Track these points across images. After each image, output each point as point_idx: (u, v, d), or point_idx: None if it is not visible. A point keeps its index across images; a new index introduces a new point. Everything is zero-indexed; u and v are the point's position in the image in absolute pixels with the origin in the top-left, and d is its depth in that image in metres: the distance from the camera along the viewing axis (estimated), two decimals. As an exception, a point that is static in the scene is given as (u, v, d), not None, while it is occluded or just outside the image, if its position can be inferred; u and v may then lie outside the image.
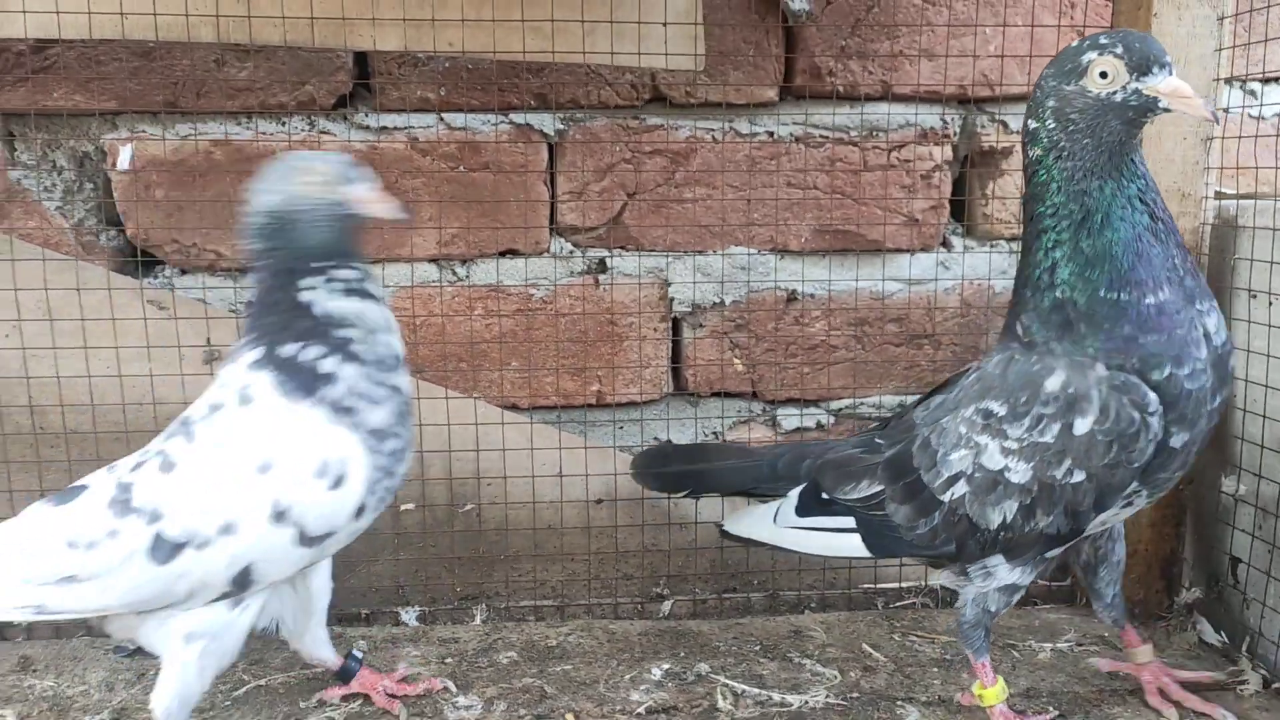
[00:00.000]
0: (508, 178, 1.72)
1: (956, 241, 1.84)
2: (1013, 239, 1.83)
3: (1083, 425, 1.07)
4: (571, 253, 1.77)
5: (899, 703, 1.28)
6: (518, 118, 1.72)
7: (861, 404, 1.83)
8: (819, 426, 1.83)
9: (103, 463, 1.46)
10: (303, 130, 1.69)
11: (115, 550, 1.10)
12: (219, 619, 1.13)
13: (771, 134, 1.76)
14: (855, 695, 1.31)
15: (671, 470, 1.39)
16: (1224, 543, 1.46)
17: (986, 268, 1.82)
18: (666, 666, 1.37)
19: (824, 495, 1.22)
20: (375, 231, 1.69)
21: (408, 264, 1.72)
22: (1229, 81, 1.64)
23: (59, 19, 1.45)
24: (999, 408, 1.12)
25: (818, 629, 1.50)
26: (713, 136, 1.75)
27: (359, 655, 1.31)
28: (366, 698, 1.29)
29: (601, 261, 1.78)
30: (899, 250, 1.81)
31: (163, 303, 1.58)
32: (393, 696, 1.29)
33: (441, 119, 1.71)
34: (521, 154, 1.72)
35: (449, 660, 1.39)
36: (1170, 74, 1.06)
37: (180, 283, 1.69)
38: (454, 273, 1.75)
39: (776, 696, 1.29)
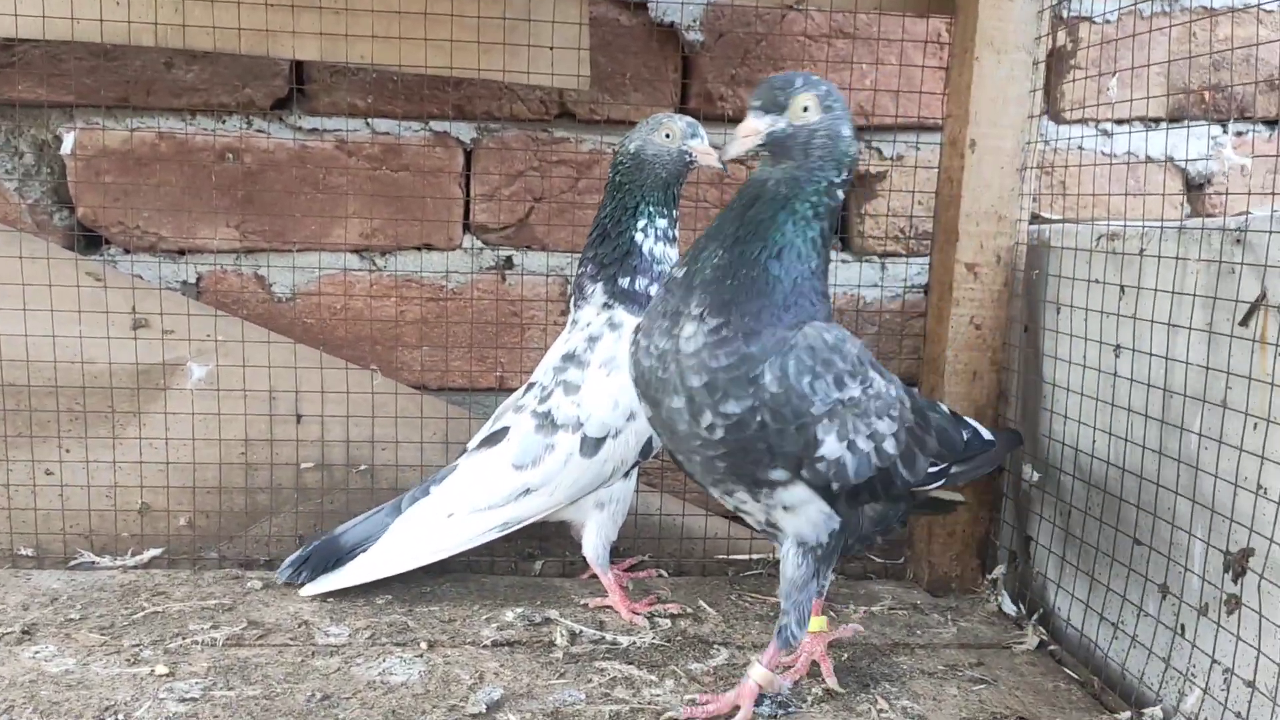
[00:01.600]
0: (426, 179, 1.90)
1: (834, 255, 2.02)
2: (884, 255, 2.01)
3: None
4: (482, 250, 1.95)
5: (715, 645, 1.45)
6: (437, 125, 1.91)
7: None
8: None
9: (34, 412, 1.65)
10: (240, 128, 1.87)
11: (555, 458, 1.51)
12: (620, 486, 1.56)
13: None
14: (680, 639, 1.48)
15: None
16: (1025, 526, 1.64)
17: (858, 279, 2.00)
18: (520, 610, 1.54)
19: None
20: (305, 222, 1.88)
21: (332, 253, 1.91)
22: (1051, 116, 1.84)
23: (17, 21, 1.63)
24: None
25: (666, 589, 1.67)
26: (614, 150, 1.93)
27: None
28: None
29: (509, 259, 1.96)
30: (778, 260, 1.98)
31: (98, 275, 1.76)
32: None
33: (368, 124, 1.90)
34: (439, 159, 1.91)
35: (329, 600, 1.56)
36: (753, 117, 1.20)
37: (123, 261, 1.87)
38: (374, 263, 1.93)
39: (609, 637, 1.46)
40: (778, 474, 1.19)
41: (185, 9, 1.65)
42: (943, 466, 1.33)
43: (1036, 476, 1.59)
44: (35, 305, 1.67)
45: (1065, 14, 1.97)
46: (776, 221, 1.16)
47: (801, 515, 1.24)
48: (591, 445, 1.51)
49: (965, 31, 1.65)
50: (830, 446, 1.18)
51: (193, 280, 1.89)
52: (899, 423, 1.25)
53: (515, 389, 1.74)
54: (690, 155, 1.53)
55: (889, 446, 1.23)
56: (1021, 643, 1.52)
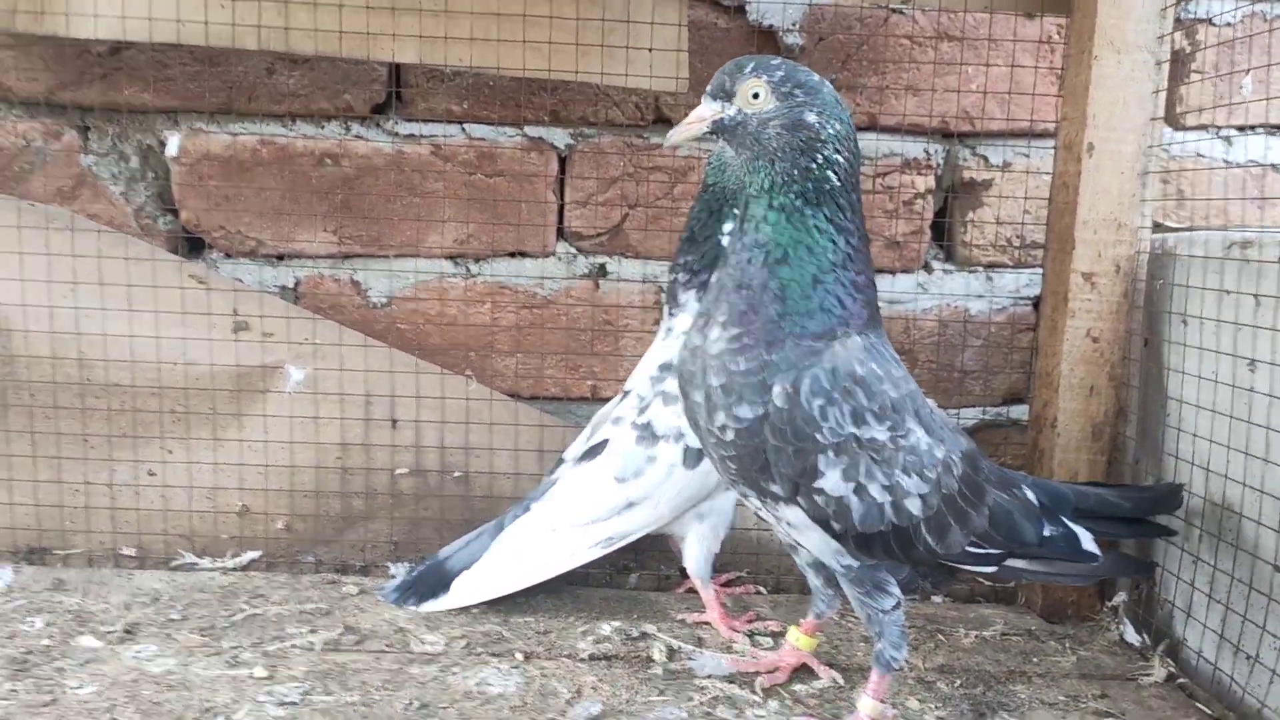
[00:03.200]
0: (521, 185, 1.89)
1: (937, 265, 1.96)
2: (990, 265, 1.95)
3: None
4: (576, 256, 1.93)
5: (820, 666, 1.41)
6: (532, 131, 1.90)
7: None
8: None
9: (138, 413, 1.66)
10: (339, 133, 1.88)
11: (658, 470, 1.48)
12: (722, 498, 1.51)
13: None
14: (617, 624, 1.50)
15: None
16: (1148, 550, 1.56)
17: (964, 291, 1.94)
18: (617, 624, 1.51)
19: None
20: (401, 228, 1.88)
21: (428, 258, 1.90)
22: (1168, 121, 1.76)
23: (124, 23, 1.66)
24: None
25: (765, 606, 1.63)
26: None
27: None
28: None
29: (603, 266, 1.93)
30: (880, 270, 1.93)
31: (201, 278, 1.78)
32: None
33: (463, 129, 1.89)
34: (534, 164, 1.90)
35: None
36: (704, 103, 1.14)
37: (224, 265, 1.89)
38: (468, 269, 1.92)
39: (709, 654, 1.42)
40: (777, 489, 1.14)
41: (289, 12, 1.66)
42: (992, 551, 1.23)
43: (1162, 499, 1.51)
44: (140, 307, 1.69)
45: (1183, 16, 1.90)
46: (768, 219, 1.11)
47: (807, 539, 1.20)
48: (694, 456, 1.47)
49: (1082, 30, 1.58)
50: (832, 482, 1.12)
51: (291, 285, 1.90)
52: (933, 486, 1.16)
53: (609, 398, 1.72)
54: None
55: (912, 506, 1.15)
56: (1148, 674, 1.44)
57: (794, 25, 1.89)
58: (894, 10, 1.88)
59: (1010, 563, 1.26)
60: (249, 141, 1.86)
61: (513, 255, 1.92)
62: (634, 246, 1.93)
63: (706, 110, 1.13)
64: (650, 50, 1.70)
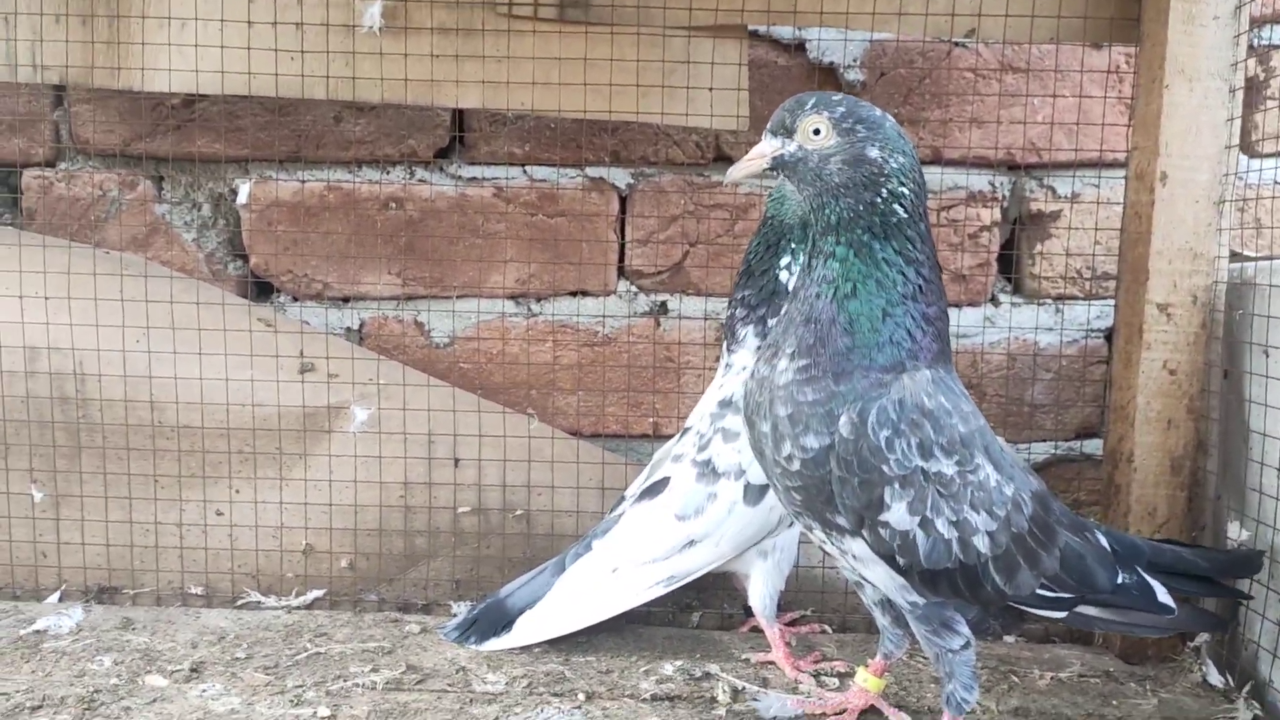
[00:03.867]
0: (582, 225, 1.90)
1: (1004, 298, 1.92)
2: (1059, 298, 1.91)
3: None
4: (636, 294, 1.93)
5: (888, 706, 1.36)
6: (593, 171, 1.91)
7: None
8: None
9: (207, 453, 1.69)
10: (403, 178, 1.91)
11: (719, 508, 1.46)
12: (785, 535, 1.49)
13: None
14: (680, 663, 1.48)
15: None
16: (1227, 606, 1.49)
17: (1033, 324, 1.89)
18: (679, 663, 1.48)
19: None
20: (463, 269, 1.89)
21: (489, 298, 1.91)
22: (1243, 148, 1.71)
23: (197, 77, 1.71)
24: None
25: (831, 646, 1.59)
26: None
27: None
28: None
29: (664, 303, 1.93)
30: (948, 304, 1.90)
31: (269, 320, 1.81)
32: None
33: (525, 171, 1.91)
34: (595, 204, 1.90)
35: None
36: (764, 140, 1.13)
37: (291, 308, 1.92)
38: (530, 308, 1.93)
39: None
40: (842, 521, 1.12)
41: (355, 62, 1.70)
42: (1063, 595, 1.19)
43: (1245, 535, 1.45)
44: (210, 350, 1.72)
45: (1256, 42, 1.85)
46: (836, 255, 1.10)
47: (873, 574, 1.17)
48: (755, 493, 1.45)
49: (1153, 59, 1.55)
50: (898, 515, 1.09)
51: (356, 326, 1.93)
52: (1002, 523, 1.12)
53: (670, 435, 1.70)
54: None
55: (980, 543, 1.12)
56: (1232, 717, 1.37)
57: (855, 61, 1.88)
58: (957, 44, 1.87)
59: (1082, 609, 1.22)
60: (316, 187, 1.90)
61: (574, 294, 1.92)
62: (695, 284, 1.92)
63: (767, 147, 1.12)
64: (710, 89, 1.70)
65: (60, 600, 1.72)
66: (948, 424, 1.10)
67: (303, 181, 1.90)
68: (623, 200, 1.92)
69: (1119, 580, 1.21)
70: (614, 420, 1.92)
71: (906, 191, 1.10)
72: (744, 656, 1.52)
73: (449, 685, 1.41)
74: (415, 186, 1.90)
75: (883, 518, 1.09)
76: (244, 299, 1.88)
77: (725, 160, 1.91)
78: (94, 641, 1.53)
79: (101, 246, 1.88)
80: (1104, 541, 1.24)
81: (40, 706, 1.32)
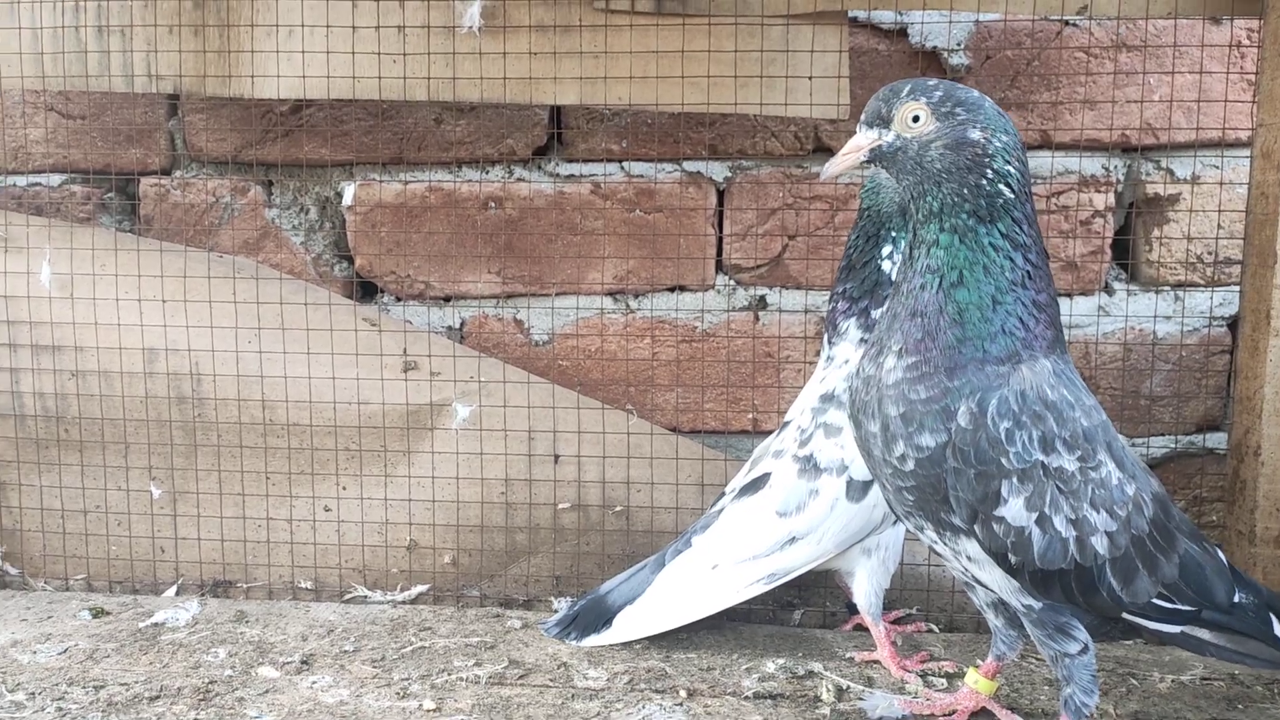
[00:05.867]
0: (679, 220, 1.89)
1: (1119, 286, 1.85)
2: (1178, 285, 1.83)
3: None
4: (735, 289, 1.91)
5: (1000, 710, 1.32)
6: (689, 166, 1.90)
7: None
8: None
9: (315, 451, 1.73)
10: (502, 177, 1.93)
11: (821, 504, 1.43)
12: (890, 533, 1.46)
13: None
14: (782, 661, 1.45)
15: None
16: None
17: (1151, 312, 1.82)
18: (781, 661, 1.46)
19: None
20: (561, 266, 1.90)
21: (588, 295, 1.92)
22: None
23: (304, 83, 1.75)
24: None
25: (938, 645, 1.55)
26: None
27: None
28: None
29: (762, 298, 1.91)
30: (1058, 293, 1.83)
31: (373, 320, 1.85)
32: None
33: (622, 167, 1.91)
34: (692, 199, 1.89)
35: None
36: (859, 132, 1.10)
37: (395, 308, 1.95)
38: (628, 305, 1.93)
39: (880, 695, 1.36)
40: (956, 520, 1.08)
41: (455, 63, 1.72)
42: (1181, 609, 1.13)
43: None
44: (318, 349, 1.77)
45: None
46: (940, 242, 1.06)
47: (986, 575, 1.13)
48: (859, 489, 1.42)
49: (1278, 32, 1.47)
50: (1014, 510, 1.05)
51: (457, 325, 1.95)
52: (1122, 525, 1.08)
53: (770, 431, 1.68)
54: None
55: (1098, 544, 1.07)
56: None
57: (959, 45, 1.83)
58: (1067, 22, 1.80)
59: (1195, 631, 1.16)
60: (418, 189, 1.93)
61: (671, 290, 1.91)
62: (794, 277, 1.89)
63: (863, 139, 1.09)
64: (810, 78, 1.67)
65: (177, 594, 1.78)
66: (1071, 417, 1.06)
67: (405, 183, 1.93)
68: (720, 194, 1.90)
69: (1236, 599, 1.15)
70: (712, 416, 1.90)
71: (1013, 169, 1.06)
72: (848, 655, 1.49)
73: (551, 680, 1.41)
74: (514, 185, 1.92)
75: (998, 512, 1.06)
76: (350, 299, 1.92)
77: (825, 151, 1.87)
78: (209, 634, 1.57)
79: (215, 251, 1.94)
80: (1221, 556, 1.18)
81: (158, 697, 1.37)
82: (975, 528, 1.07)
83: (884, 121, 1.08)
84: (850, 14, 1.72)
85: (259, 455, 1.78)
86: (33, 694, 1.37)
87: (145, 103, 1.96)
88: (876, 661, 1.46)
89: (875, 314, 1.46)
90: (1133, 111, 1.79)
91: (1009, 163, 1.06)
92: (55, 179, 2.00)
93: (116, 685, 1.40)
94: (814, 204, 1.87)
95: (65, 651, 1.51)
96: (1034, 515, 1.06)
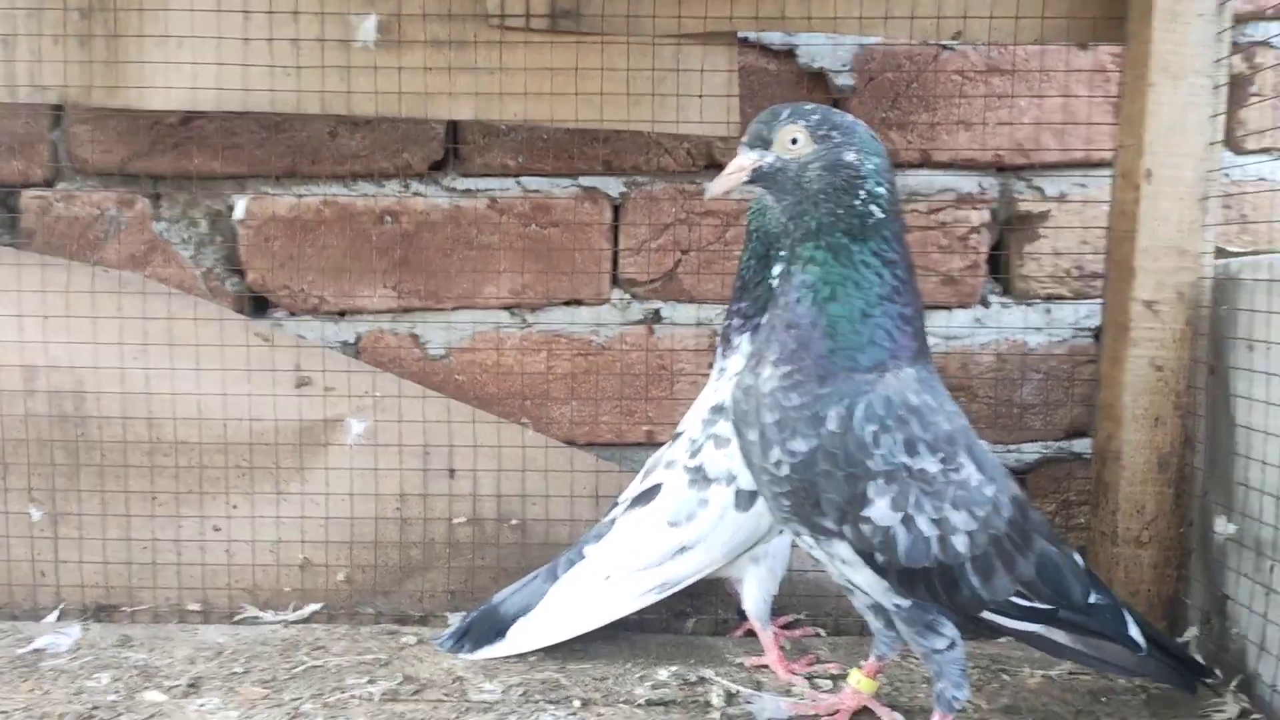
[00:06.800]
0: (575, 235, 1.91)
1: (994, 299, 1.93)
2: (1049, 297, 1.91)
3: None
4: (629, 303, 1.94)
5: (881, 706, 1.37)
6: (585, 181, 1.92)
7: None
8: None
9: (204, 469, 1.70)
10: (398, 191, 1.93)
11: (710, 514, 1.46)
12: (778, 541, 1.49)
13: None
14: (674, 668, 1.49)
15: None
16: (1219, 583, 1.50)
17: (1022, 324, 1.90)
18: (674, 669, 1.49)
19: None
20: (458, 281, 1.91)
21: (484, 310, 1.93)
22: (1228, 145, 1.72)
23: (194, 94, 1.72)
24: None
25: (824, 648, 1.60)
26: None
27: None
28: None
29: (657, 311, 1.94)
30: (936, 306, 1.91)
31: (266, 335, 1.83)
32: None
33: (518, 182, 1.93)
34: (588, 214, 1.92)
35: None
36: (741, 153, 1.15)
37: (288, 323, 1.93)
38: (524, 319, 1.94)
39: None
40: (827, 522, 1.13)
41: (350, 76, 1.71)
42: (1038, 607, 1.18)
43: (1232, 529, 1.45)
44: (207, 365, 1.74)
45: (1239, 39, 1.86)
46: (816, 259, 1.12)
47: (859, 577, 1.18)
48: (746, 499, 1.46)
49: (1137, 57, 1.56)
50: (880, 511, 1.11)
51: (352, 340, 1.94)
52: (982, 524, 1.13)
53: (664, 442, 1.71)
54: None
55: (958, 543, 1.13)
56: (1221, 711, 1.37)
57: (844, 66, 1.90)
58: (944, 47, 1.88)
59: (1052, 634, 1.22)
60: (312, 202, 1.91)
61: (568, 304, 1.93)
62: (688, 291, 1.93)
63: (746, 160, 1.14)
64: (701, 97, 1.71)
65: (59, 619, 1.73)
66: (933, 421, 1.12)
67: (299, 197, 1.91)
68: (615, 209, 1.93)
69: (1092, 599, 1.21)
70: (608, 429, 1.93)
71: (883, 190, 1.12)
72: (738, 660, 1.53)
73: (445, 695, 1.42)
74: (410, 200, 1.92)
75: (865, 513, 1.10)
76: (241, 314, 1.89)
77: (717, 167, 1.92)
78: (92, 659, 1.54)
79: (100, 265, 1.90)
80: (1078, 559, 1.24)
81: (39, 724, 1.34)
82: (845, 529, 1.12)
83: (765, 143, 1.13)
84: (740, 34, 1.77)
85: (145, 475, 1.75)
86: (-97, 726, 1.33)
87: (28, 112, 1.91)
88: (766, 666, 1.50)
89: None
90: (1005, 132, 1.87)
91: (880, 184, 1.12)
92: (-70, 191, 1.94)
93: (-6, 714, 1.36)
94: (706, 219, 1.91)
95: (-61, 681, 1.46)
96: (899, 515, 1.11)
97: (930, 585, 1.14)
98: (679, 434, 1.58)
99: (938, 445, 1.12)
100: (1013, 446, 1.91)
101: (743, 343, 1.53)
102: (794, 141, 1.11)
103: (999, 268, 1.93)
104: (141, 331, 1.76)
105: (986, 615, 1.18)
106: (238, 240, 1.93)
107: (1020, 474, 1.92)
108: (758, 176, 1.14)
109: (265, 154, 1.91)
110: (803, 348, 1.11)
